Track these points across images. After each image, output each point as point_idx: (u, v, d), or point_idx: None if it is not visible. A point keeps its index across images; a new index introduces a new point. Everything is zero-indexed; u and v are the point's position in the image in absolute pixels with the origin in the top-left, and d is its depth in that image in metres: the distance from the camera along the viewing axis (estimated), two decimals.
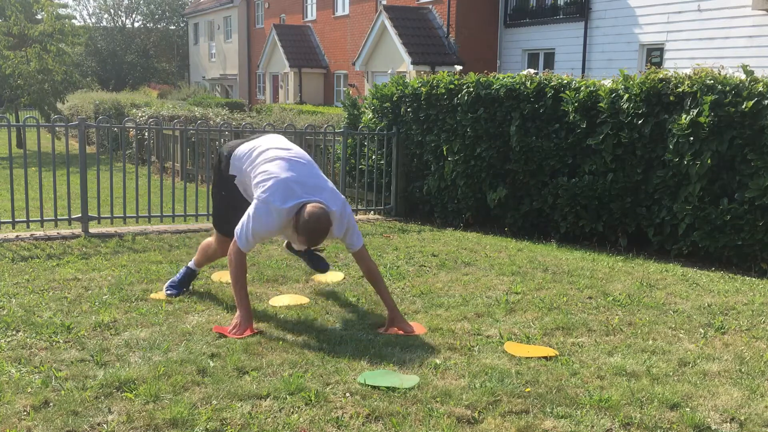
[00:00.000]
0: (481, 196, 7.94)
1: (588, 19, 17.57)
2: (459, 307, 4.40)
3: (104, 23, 47.35)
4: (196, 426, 2.73)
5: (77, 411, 2.82)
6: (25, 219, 6.61)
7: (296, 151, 4.09)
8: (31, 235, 6.39)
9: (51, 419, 2.75)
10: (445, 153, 8.12)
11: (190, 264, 4.61)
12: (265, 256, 5.66)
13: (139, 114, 16.25)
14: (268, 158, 3.95)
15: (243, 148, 4.13)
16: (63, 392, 2.98)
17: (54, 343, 3.57)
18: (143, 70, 45.18)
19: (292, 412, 2.86)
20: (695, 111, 6.17)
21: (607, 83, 6.94)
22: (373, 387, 3.10)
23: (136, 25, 47.95)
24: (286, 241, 4.69)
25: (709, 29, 14.59)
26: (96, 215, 6.81)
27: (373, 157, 8.71)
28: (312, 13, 28.12)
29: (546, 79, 7.42)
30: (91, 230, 6.68)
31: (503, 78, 7.70)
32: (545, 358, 3.55)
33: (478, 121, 7.71)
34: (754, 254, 6.09)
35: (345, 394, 3.04)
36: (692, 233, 6.36)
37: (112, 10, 47.63)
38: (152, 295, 4.48)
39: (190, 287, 4.63)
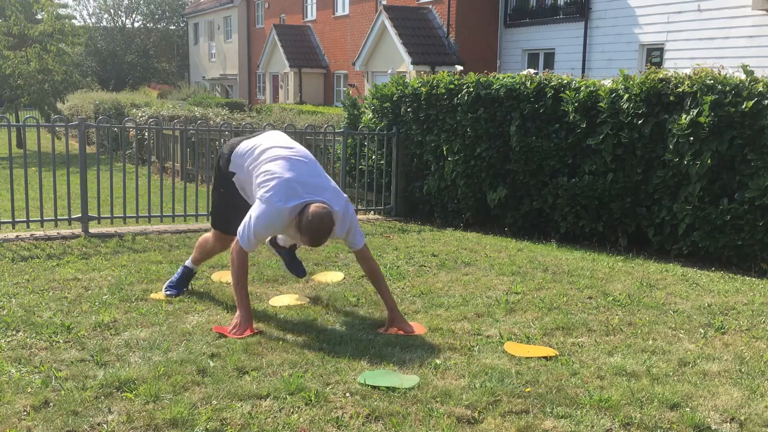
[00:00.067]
0: (481, 196, 7.94)
1: (588, 19, 17.57)
2: (459, 307, 4.40)
3: (104, 23, 47.38)
4: (196, 426, 2.73)
5: (77, 411, 2.82)
6: (25, 219, 6.61)
7: (299, 149, 4.07)
8: (31, 235, 6.39)
9: (51, 419, 2.75)
10: (445, 153, 8.12)
11: (187, 263, 4.61)
12: (265, 256, 5.65)
13: (139, 114, 16.26)
14: (270, 157, 3.94)
15: (244, 146, 4.12)
16: (63, 392, 2.98)
17: (54, 343, 3.57)
18: (143, 70, 45.18)
19: (292, 412, 2.86)
20: (695, 111, 6.17)
21: (607, 83, 6.94)
22: (373, 387, 3.10)
23: (136, 25, 48.02)
24: (269, 238, 4.63)
25: (709, 29, 14.59)
26: (96, 215, 6.81)
27: (373, 157, 8.71)
28: (312, 13, 28.12)
29: (546, 79, 7.42)
30: (91, 230, 6.68)
31: (503, 78, 7.70)
32: (545, 358, 3.55)
33: (478, 121, 7.71)
34: (754, 254, 6.09)
35: (345, 394, 3.04)
36: (692, 233, 6.36)
37: (112, 10, 47.67)
38: (152, 295, 4.48)
39: (190, 287, 4.63)
